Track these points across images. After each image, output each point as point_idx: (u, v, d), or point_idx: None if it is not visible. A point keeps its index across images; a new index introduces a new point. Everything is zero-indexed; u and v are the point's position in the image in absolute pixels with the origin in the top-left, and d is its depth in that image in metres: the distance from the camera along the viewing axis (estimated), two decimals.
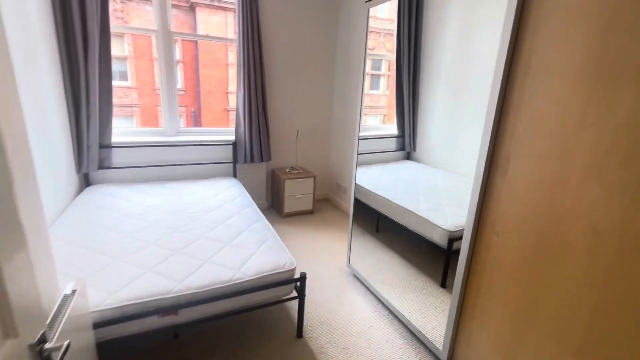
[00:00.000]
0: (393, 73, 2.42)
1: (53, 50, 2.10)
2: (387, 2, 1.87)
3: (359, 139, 2.22)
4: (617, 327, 0.90)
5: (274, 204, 3.43)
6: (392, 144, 2.48)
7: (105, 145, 2.50)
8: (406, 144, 2.42)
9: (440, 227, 1.90)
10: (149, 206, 2.13)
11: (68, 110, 2.26)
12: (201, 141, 2.88)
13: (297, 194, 3.18)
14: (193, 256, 1.55)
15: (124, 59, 7.30)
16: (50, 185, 1.96)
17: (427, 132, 2.23)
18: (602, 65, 0.88)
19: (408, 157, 2.42)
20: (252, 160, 3.05)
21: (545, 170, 1.04)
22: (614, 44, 0.86)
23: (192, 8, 7.22)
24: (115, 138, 2.59)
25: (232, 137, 3.03)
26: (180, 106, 7.90)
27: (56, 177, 2.06)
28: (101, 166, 2.51)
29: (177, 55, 7.65)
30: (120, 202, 2.16)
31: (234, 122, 2.99)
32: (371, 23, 1.97)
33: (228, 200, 2.35)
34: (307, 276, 1.60)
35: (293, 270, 1.57)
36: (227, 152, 3.02)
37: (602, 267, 0.92)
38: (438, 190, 2.21)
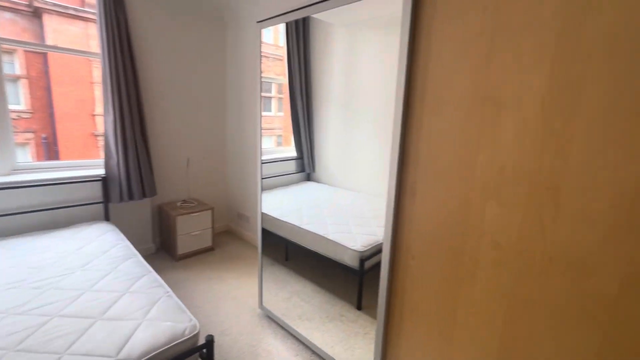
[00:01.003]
0: (286, 96, 2.42)
1: None
2: (272, 28, 1.82)
3: (261, 163, 2.07)
4: (525, 332, 0.97)
5: (164, 246, 2.91)
6: (292, 166, 2.43)
7: None
8: (306, 165, 2.39)
9: (350, 249, 1.89)
10: None
11: None
12: (50, 180, 2.21)
13: (192, 230, 2.76)
14: (40, 350, 1.08)
15: None
16: None
17: (325, 153, 2.25)
18: (486, 94, 0.97)
19: (308, 178, 2.40)
20: (131, 198, 2.51)
21: (450, 191, 1.08)
22: (493, 76, 0.95)
23: (36, 14, 5.87)
24: None
25: (102, 171, 2.44)
26: (26, 132, 6.22)
27: None
28: None
29: (16, 69, 6.06)
30: None
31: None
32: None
33: (99, 253, 1.83)
34: (215, 333, 1.32)
35: (196, 335, 1.26)
36: (96, 190, 2.41)
37: (506, 279, 0.99)
38: (342, 210, 2.22)
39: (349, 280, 2.09)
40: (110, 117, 2.35)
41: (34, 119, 6.45)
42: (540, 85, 0.87)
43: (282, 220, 2.24)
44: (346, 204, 2.25)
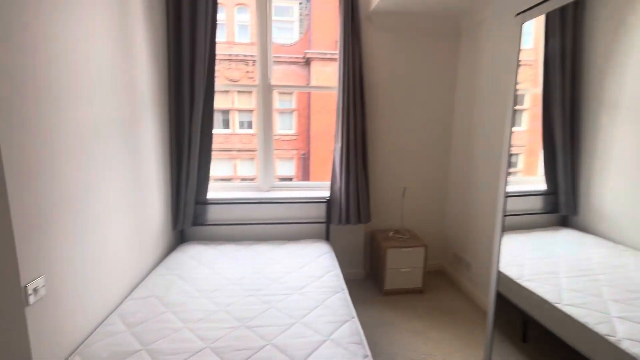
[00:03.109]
0: (534, 109, 1.76)
1: (163, 115, 2.20)
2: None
3: (505, 196, 1.52)
4: None
5: (372, 276, 2.83)
6: (537, 203, 1.68)
7: (201, 202, 2.46)
8: (561, 205, 1.57)
9: None
10: (228, 279, 1.86)
11: (171, 169, 2.31)
12: (292, 198, 2.61)
13: (402, 266, 2.52)
14: None
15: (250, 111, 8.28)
16: (140, 241, 1.93)
17: (599, 189, 1.36)
18: None
19: (564, 222, 1.56)
20: (348, 222, 2.59)
21: None
22: None
23: (307, 62, 7.82)
24: (210, 194, 2.54)
25: (327, 194, 2.66)
26: (293, 149, 8.37)
27: (148, 235, 2.03)
28: (195, 223, 2.46)
29: (292, 104, 8.27)
30: (200, 271, 1.97)
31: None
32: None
33: (315, 277, 1.91)
34: None
35: None
36: (321, 211, 2.65)
37: None
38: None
39: None
40: (339, 145, 2.51)
41: (298, 140, 8.56)
42: None
43: (526, 288, 1.58)
44: None
